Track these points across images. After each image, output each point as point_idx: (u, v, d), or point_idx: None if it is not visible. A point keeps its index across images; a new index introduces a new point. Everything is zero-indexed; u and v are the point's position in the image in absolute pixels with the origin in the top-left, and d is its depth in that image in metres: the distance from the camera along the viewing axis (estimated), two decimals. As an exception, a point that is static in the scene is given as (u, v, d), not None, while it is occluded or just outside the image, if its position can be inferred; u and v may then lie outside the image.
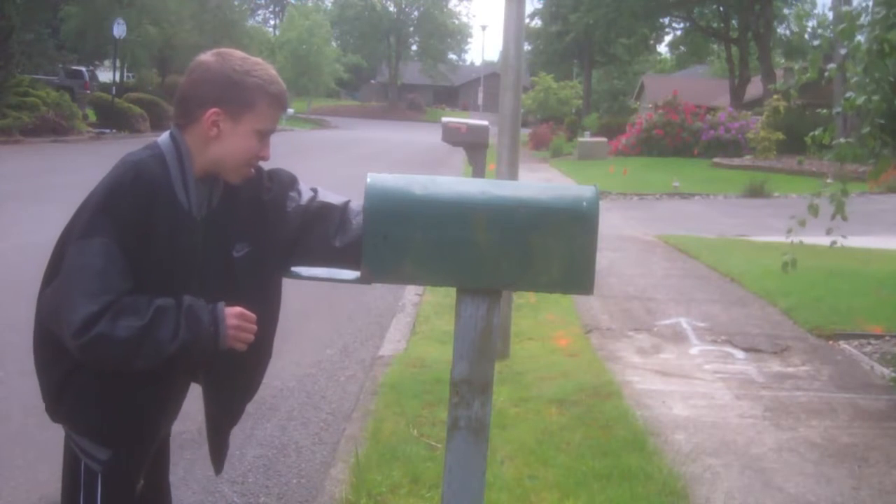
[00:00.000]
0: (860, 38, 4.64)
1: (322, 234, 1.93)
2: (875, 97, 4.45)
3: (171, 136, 1.85)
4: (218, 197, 1.89)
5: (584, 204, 1.72)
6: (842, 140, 4.90)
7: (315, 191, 2.01)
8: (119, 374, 1.81)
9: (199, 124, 1.82)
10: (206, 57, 1.85)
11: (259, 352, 1.96)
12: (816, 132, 4.94)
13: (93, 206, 1.76)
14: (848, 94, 4.75)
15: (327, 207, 1.96)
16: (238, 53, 1.87)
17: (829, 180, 4.89)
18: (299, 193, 1.98)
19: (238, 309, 1.82)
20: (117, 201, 1.74)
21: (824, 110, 5.21)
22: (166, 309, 1.74)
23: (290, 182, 1.99)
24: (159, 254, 1.78)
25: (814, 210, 4.69)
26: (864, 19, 4.64)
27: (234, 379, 1.99)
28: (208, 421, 2.05)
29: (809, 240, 4.79)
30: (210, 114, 1.80)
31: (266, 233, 1.91)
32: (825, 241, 4.92)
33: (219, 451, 2.08)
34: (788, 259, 4.92)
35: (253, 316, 1.84)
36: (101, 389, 1.85)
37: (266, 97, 1.83)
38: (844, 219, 4.77)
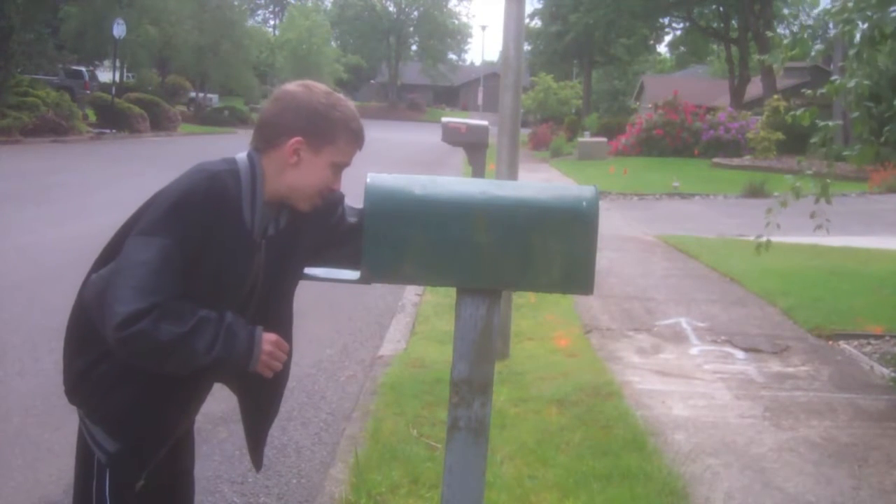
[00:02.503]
0: (859, 24, 4.62)
1: (352, 249, 1.96)
2: (865, 82, 4.42)
3: (249, 156, 1.89)
4: (286, 219, 1.93)
5: (584, 204, 1.72)
6: (829, 123, 4.85)
7: (349, 205, 2.06)
8: (145, 370, 1.82)
9: (280, 151, 1.86)
10: (293, 87, 1.90)
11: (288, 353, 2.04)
12: (798, 112, 4.88)
13: (163, 206, 1.78)
14: (833, 78, 4.72)
15: (356, 225, 2.00)
16: (322, 87, 1.92)
17: (809, 172, 4.87)
18: (341, 210, 2.03)
19: (275, 337, 1.86)
20: (188, 207, 1.77)
21: (809, 91, 5.16)
22: (208, 321, 1.76)
23: (338, 200, 2.03)
24: (213, 267, 1.81)
25: (796, 192, 4.64)
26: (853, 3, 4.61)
27: (267, 382, 2.03)
28: (246, 421, 2.08)
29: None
30: (293, 142, 1.85)
31: (307, 250, 1.98)
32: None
33: (258, 449, 2.12)
34: (763, 240, 4.89)
35: (286, 345, 1.89)
36: (123, 382, 1.85)
37: (347, 133, 1.89)
38: (828, 202, 4.74)
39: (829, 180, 4.75)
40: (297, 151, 1.85)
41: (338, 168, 1.90)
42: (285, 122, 1.85)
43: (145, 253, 1.73)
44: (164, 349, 1.71)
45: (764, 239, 4.88)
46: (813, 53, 4.92)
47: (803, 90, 5.90)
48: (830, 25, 5.56)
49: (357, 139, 1.91)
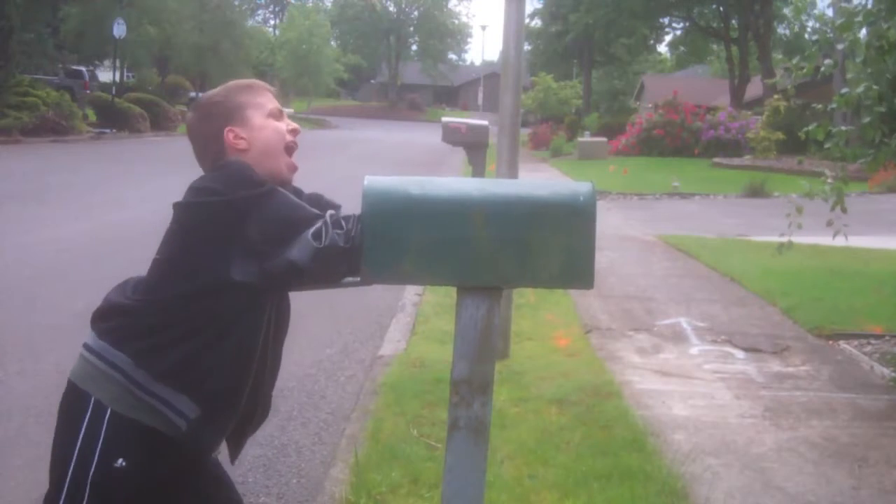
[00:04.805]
0: (862, 32, 4.63)
1: None
2: (874, 86, 4.44)
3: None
4: None
5: (581, 198, 1.73)
6: (842, 128, 4.88)
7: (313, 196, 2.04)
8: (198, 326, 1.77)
9: (229, 150, 1.86)
10: (187, 117, 1.96)
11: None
12: (811, 127, 4.92)
13: (237, 178, 1.74)
14: (843, 91, 4.74)
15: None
16: (204, 95, 1.98)
17: (829, 180, 4.88)
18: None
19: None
20: (250, 170, 1.77)
21: (819, 105, 5.21)
22: (348, 217, 1.74)
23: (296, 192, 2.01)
24: None
25: (819, 188, 4.68)
26: (861, 16, 4.62)
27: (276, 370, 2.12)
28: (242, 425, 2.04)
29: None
30: (226, 133, 1.86)
31: None
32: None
33: (240, 446, 2.08)
34: (785, 241, 4.93)
35: None
36: (208, 359, 1.79)
37: (243, 92, 1.92)
38: (844, 210, 4.76)
39: (843, 188, 4.78)
40: (237, 136, 1.86)
41: (275, 115, 1.91)
42: (205, 133, 1.88)
43: (276, 200, 1.72)
44: (346, 252, 1.69)
45: (786, 239, 4.92)
46: (822, 69, 4.95)
47: (814, 104, 5.94)
48: (829, 30, 5.57)
49: (251, 87, 1.94)
